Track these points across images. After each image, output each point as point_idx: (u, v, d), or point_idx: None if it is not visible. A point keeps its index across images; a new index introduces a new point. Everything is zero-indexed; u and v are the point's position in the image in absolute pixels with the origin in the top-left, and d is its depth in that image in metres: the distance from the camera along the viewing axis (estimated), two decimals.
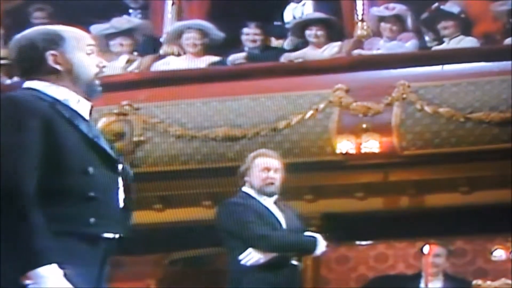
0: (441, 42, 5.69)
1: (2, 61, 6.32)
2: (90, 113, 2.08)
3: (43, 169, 1.91)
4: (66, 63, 2.02)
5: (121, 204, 2.03)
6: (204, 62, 5.92)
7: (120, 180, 2.02)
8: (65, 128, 1.95)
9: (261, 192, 3.65)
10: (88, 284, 1.93)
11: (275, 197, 3.67)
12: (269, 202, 3.66)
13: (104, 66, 2.07)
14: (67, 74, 2.02)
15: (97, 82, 2.06)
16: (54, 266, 1.86)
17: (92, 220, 1.93)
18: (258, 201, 3.63)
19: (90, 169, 1.95)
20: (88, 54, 2.05)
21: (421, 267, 5.83)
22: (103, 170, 1.98)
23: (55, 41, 2.04)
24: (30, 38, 2.05)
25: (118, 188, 2.01)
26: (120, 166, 2.03)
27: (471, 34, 5.66)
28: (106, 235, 1.97)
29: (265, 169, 3.66)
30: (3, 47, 6.48)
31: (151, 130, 5.40)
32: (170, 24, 6.14)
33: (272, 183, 3.65)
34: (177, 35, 6.00)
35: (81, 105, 2.04)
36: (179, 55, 6.00)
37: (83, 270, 1.92)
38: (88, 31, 2.17)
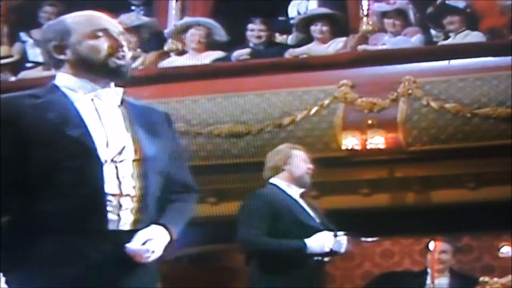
0: (447, 37, 5.66)
1: (5, 60, 6.33)
2: (123, 99, 2.02)
3: (16, 170, 1.90)
4: (68, 52, 2.00)
5: (132, 193, 1.96)
6: (209, 58, 5.90)
7: (110, 170, 1.94)
8: (37, 125, 1.93)
9: (296, 181, 3.68)
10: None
11: (302, 190, 3.68)
12: (297, 195, 3.68)
13: (121, 46, 2.00)
14: (74, 63, 2.00)
15: (114, 64, 1.99)
16: None
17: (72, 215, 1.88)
18: (288, 194, 3.64)
19: (64, 163, 1.90)
20: (96, 37, 2.00)
21: (427, 263, 5.81)
22: (79, 162, 1.91)
23: (57, 31, 2.02)
24: (42, 32, 2.09)
25: (102, 180, 1.92)
26: (109, 156, 1.94)
27: (477, 29, 5.63)
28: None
29: (305, 159, 3.75)
30: (8, 45, 6.48)
31: None
32: (174, 20, 6.12)
33: (310, 174, 3.75)
34: (183, 30, 5.98)
35: (103, 93, 2.00)
36: (183, 51, 5.98)
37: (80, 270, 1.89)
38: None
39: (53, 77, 2.06)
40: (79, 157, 1.92)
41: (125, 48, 2.01)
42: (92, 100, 2.00)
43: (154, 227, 1.97)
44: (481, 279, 5.40)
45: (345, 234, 3.66)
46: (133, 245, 1.93)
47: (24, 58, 6.45)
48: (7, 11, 6.54)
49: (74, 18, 2.04)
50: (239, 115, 5.37)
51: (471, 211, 5.21)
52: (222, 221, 5.11)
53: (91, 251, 1.90)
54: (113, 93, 2.02)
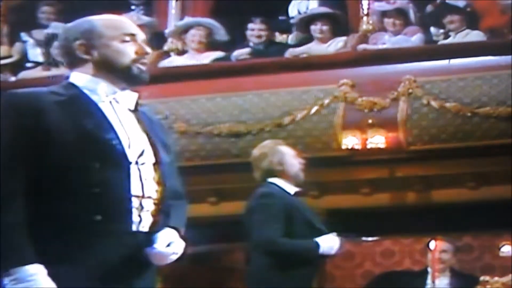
0: (447, 36, 5.65)
1: (5, 60, 6.32)
2: (137, 104, 2.03)
3: (36, 167, 1.89)
4: (95, 52, 2.00)
5: (154, 195, 1.96)
6: (209, 58, 5.90)
7: (134, 172, 1.95)
8: (63, 123, 1.92)
9: (294, 180, 3.61)
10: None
11: (297, 188, 3.65)
12: (293, 193, 3.62)
13: (146, 53, 2.02)
14: (99, 64, 2.00)
15: (138, 69, 2.00)
16: (37, 266, 1.83)
17: (98, 217, 1.89)
18: (290, 194, 3.60)
19: (93, 165, 1.91)
20: (124, 41, 2.00)
21: (428, 263, 5.81)
22: (108, 165, 1.92)
23: (85, 30, 2.02)
24: (65, 30, 2.07)
25: (128, 182, 1.93)
26: (133, 158, 1.95)
27: (477, 28, 5.62)
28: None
29: (295, 155, 3.66)
30: (8, 45, 6.48)
31: None
32: (174, 20, 6.12)
33: (303, 170, 3.64)
34: (183, 30, 5.97)
35: (123, 97, 2.00)
36: (183, 51, 5.98)
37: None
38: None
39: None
40: (109, 158, 1.92)
41: (148, 55, 2.04)
42: (110, 102, 2.01)
43: (169, 230, 2.00)
44: (481, 278, 5.39)
45: (338, 235, 3.59)
46: (160, 247, 1.95)
47: (24, 58, 6.45)
48: (7, 11, 6.54)
49: (104, 20, 2.04)
50: (238, 115, 5.36)
51: (472, 210, 5.20)
52: (222, 221, 5.11)
53: (111, 252, 1.91)
54: (129, 97, 2.03)
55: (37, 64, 6.34)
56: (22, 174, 1.88)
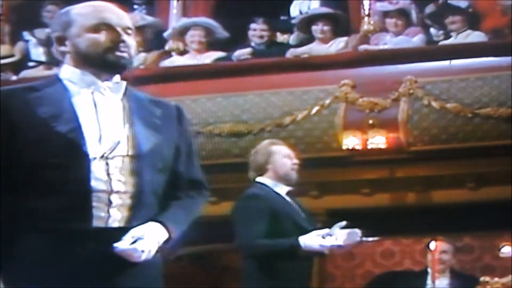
0: (448, 36, 5.65)
1: (7, 59, 6.33)
2: (126, 90, 1.98)
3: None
4: (70, 43, 1.97)
5: (122, 189, 1.91)
6: (210, 57, 5.90)
7: (99, 167, 1.89)
8: (28, 119, 1.89)
9: (282, 180, 3.56)
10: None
11: (289, 188, 3.61)
12: (284, 192, 3.59)
13: (122, 41, 1.95)
14: (73, 55, 1.97)
15: (114, 57, 1.94)
16: None
17: (57, 215, 1.85)
18: (278, 194, 3.56)
19: (51, 160, 1.86)
20: (97, 31, 1.95)
21: (428, 263, 5.80)
22: (66, 160, 1.87)
23: (62, 21, 1.99)
24: (51, 24, 2.06)
25: (88, 177, 1.88)
26: (99, 152, 1.90)
27: (479, 29, 5.62)
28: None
29: (287, 155, 3.60)
30: (10, 44, 6.48)
31: None
32: (175, 20, 6.12)
33: (295, 170, 3.59)
34: (183, 31, 5.98)
35: (105, 87, 1.96)
36: (184, 51, 5.98)
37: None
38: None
39: (55, 75, 2.05)
40: (65, 153, 1.88)
41: (129, 41, 1.96)
42: (92, 93, 1.95)
43: (149, 225, 1.92)
44: (481, 279, 5.38)
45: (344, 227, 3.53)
46: (121, 245, 1.87)
47: (26, 57, 6.46)
48: (9, 10, 6.55)
49: (80, 9, 1.99)
50: (239, 115, 5.37)
51: (472, 211, 5.21)
52: (223, 221, 5.11)
53: (78, 249, 1.87)
54: (115, 86, 1.97)
55: (39, 63, 6.35)
56: None
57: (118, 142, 1.93)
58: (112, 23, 1.97)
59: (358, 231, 3.53)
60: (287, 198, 3.58)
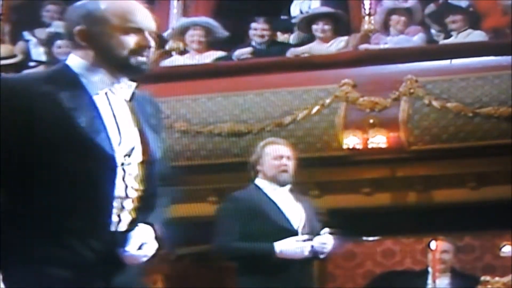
0: (448, 36, 5.65)
1: (9, 60, 6.33)
2: (133, 94, 1.93)
3: (17, 159, 1.82)
4: (93, 40, 1.90)
5: (134, 194, 1.90)
6: (210, 57, 5.90)
7: (119, 174, 1.88)
8: (54, 117, 1.83)
9: (274, 181, 3.55)
10: None
11: (288, 186, 3.60)
12: (279, 194, 3.58)
13: (148, 46, 1.91)
14: (96, 52, 1.90)
15: (136, 61, 1.90)
16: None
17: (76, 218, 1.83)
18: (265, 195, 3.55)
19: (79, 165, 1.84)
20: (127, 32, 1.90)
21: (429, 263, 5.80)
22: (95, 166, 1.84)
23: (89, 14, 1.91)
24: (71, 11, 1.95)
25: (113, 184, 1.87)
26: (121, 159, 1.88)
27: (479, 28, 5.62)
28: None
29: (277, 157, 3.58)
30: (10, 44, 6.49)
31: None
32: (175, 19, 6.12)
33: (285, 171, 3.57)
34: (183, 31, 5.98)
35: (120, 87, 1.92)
36: (184, 50, 5.98)
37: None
38: None
39: (65, 66, 1.92)
40: (96, 160, 1.85)
41: (152, 47, 1.94)
42: (106, 94, 1.91)
43: (143, 227, 1.94)
44: (482, 278, 5.38)
45: (332, 233, 3.54)
46: (131, 250, 1.91)
47: (26, 57, 6.46)
48: (9, 10, 6.54)
49: (111, 7, 1.91)
50: (239, 114, 5.36)
51: (473, 210, 5.20)
52: None
53: (87, 252, 1.87)
54: (125, 87, 1.93)
55: (40, 63, 6.35)
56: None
57: (133, 148, 1.92)
58: (143, 27, 1.93)
59: (331, 237, 3.51)
60: (277, 201, 3.56)
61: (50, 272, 1.84)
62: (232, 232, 3.41)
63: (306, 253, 3.44)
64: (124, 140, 1.91)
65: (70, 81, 1.90)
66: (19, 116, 1.83)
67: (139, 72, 1.94)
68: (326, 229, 3.53)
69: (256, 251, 3.41)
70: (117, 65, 1.91)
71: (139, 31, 1.92)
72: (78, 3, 1.97)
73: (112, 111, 1.91)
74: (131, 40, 1.91)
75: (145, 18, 1.95)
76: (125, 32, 1.91)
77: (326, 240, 3.49)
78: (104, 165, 1.87)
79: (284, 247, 3.40)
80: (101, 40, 1.90)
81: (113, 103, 1.92)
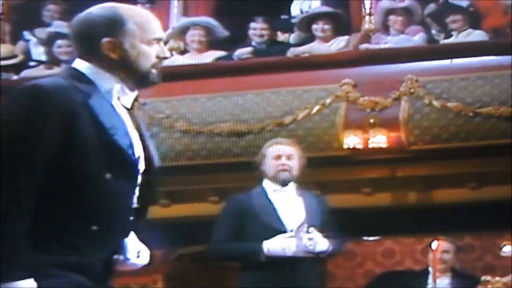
0: (448, 35, 5.65)
1: (9, 60, 6.33)
2: (133, 104, 1.92)
3: (52, 168, 1.79)
4: (121, 52, 1.86)
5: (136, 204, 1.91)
6: (210, 57, 5.90)
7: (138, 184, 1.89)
8: (88, 128, 1.80)
9: (275, 180, 3.59)
10: None
11: (291, 185, 3.61)
12: (279, 194, 3.58)
13: (165, 58, 1.92)
14: (121, 64, 1.86)
15: (153, 74, 1.90)
16: (28, 282, 1.75)
17: (95, 227, 1.82)
18: (264, 195, 3.56)
19: (106, 174, 1.81)
20: (151, 43, 1.89)
21: (429, 263, 5.80)
22: (121, 175, 1.83)
23: (115, 26, 1.87)
24: (91, 19, 1.89)
25: (134, 193, 1.87)
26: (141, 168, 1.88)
27: (480, 28, 5.62)
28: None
29: (277, 156, 3.63)
30: (11, 43, 6.48)
31: (156, 126, 5.38)
32: (176, 19, 6.12)
33: (285, 170, 3.59)
34: (183, 31, 5.98)
35: (127, 96, 1.90)
36: (184, 50, 5.98)
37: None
38: None
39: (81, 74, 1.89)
40: (123, 169, 1.83)
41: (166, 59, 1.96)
42: (118, 99, 1.91)
43: (132, 234, 1.95)
44: (482, 278, 5.38)
45: (324, 234, 3.53)
46: (132, 258, 1.93)
47: (27, 57, 6.45)
48: (9, 9, 6.54)
49: (136, 18, 1.88)
50: (239, 114, 5.37)
51: (473, 210, 5.20)
52: None
53: (96, 260, 1.87)
54: (130, 96, 1.92)
55: (40, 63, 6.35)
56: (39, 172, 1.76)
57: (139, 157, 1.91)
58: (161, 37, 1.93)
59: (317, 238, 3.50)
60: (275, 201, 3.56)
61: (60, 275, 1.83)
62: (225, 232, 3.44)
63: (294, 249, 3.44)
64: (136, 148, 1.90)
65: (92, 90, 1.86)
66: (62, 123, 1.79)
67: (153, 84, 1.93)
68: (313, 228, 3.53)
69: (244, 251, 3.43)
70: (137, 76, 1.89)
71: (157, 42, 1.92)
72: (96, 12, 1.91)
73: (124, 120, 1.91)
74: (153, 51, 1.90)
75: (160, 27, 1.95)
76: (148, 43, 1.89)
77: (313, 236, 3.49)
78: (129, 173, 1.86)
79: (272, 245, 3.42)
80: (130, 53, 1.87)
81: (121, 112, 1.91)
